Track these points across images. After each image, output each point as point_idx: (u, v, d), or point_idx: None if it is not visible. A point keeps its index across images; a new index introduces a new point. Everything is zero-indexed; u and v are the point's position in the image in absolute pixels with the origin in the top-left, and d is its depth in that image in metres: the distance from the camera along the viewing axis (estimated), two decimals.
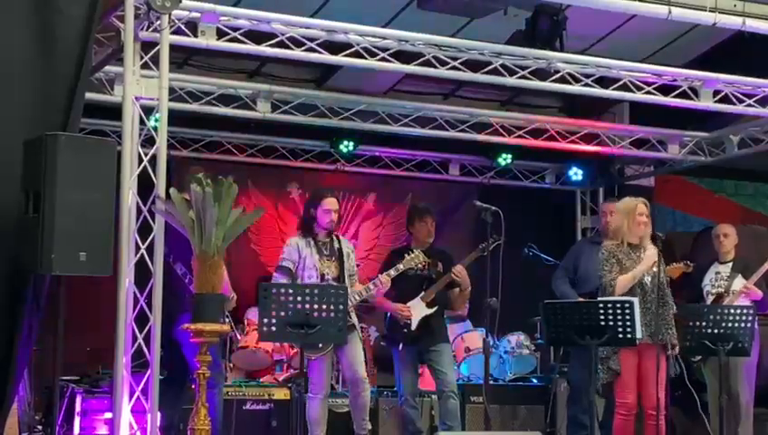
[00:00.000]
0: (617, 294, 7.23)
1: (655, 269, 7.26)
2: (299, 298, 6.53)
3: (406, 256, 7.99)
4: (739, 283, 8.42)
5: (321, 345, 7.45)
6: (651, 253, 7.30)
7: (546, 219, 11.82)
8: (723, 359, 7.48)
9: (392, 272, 7.89)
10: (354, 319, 7.71)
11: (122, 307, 6.39)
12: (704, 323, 7.39)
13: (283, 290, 6.67)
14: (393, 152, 11.43)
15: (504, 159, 11.53)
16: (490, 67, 8.34)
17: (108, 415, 7.60)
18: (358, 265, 8.14)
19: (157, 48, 6.67)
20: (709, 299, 8.48)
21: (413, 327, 8.09)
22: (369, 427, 7.88)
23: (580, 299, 7.99)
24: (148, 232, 6.55)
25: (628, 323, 6.74)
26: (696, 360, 8.39)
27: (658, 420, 7.16)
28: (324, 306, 6.57)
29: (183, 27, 7.26)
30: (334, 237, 7.83)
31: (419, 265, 8.05)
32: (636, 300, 6.89)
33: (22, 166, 6.00)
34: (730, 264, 8.61)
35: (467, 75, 8.39)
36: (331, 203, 7.72)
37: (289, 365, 9.26)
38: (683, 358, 7.90)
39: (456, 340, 9.72)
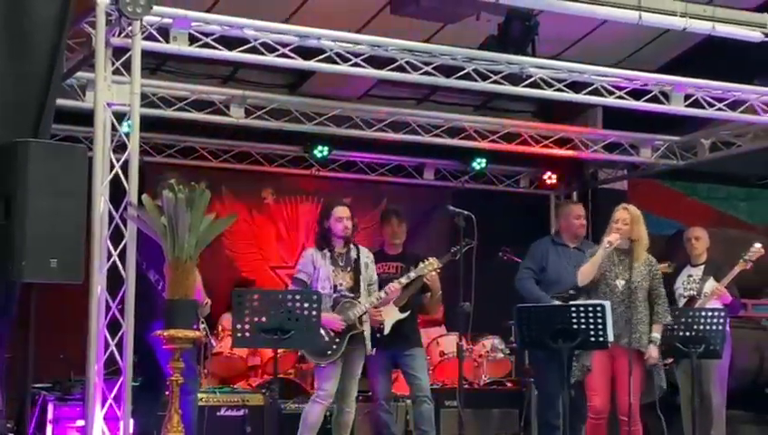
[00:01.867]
0: (580, 281, 7.39)
1: (632, 276, 7.33)
2: (272, 304, 6.54)
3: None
4: (711, 285, 8.43)
5: (329, 352, 7.43)
6: (609, 238, 7.36)
7: (521, 223, 11.84)
8: (694, 362, 7.55)
9: (403, 280, 7.87)
10: (360, 327, 7.64)
11: (94, 314, 6.38)
12: (675, 326, 7.45)
13: (256, 296, 6.68)
14: (368, 157, 11.45)
15: (479, 164, 11.57)
16: (463, 72, 8.36)
17: (80, 422, 7.55)
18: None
19: (128, 54, 6.65)
20: (681, 302, 8.50)
21: (385, 332, 8.08)
22: None
23: (556, 302, 8.00)
24: (120, 239, 6.53)
25: (600, 327, 6.78)
26: (668, 362, 8.43)
27: (630, 426, 7.21)
28: (298, 312, 6.57)
29: (155, 33, 7.23)
30: (353, 247, 7.80)
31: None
32: (607, 303, 6.93)
33: None
34: (702, 267, 8.64)
35: (440, 80, 8.38)
36: (341, 211, 7.70)
37: (263, 371, 9.25)
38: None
39: (430, 344, 9.73)
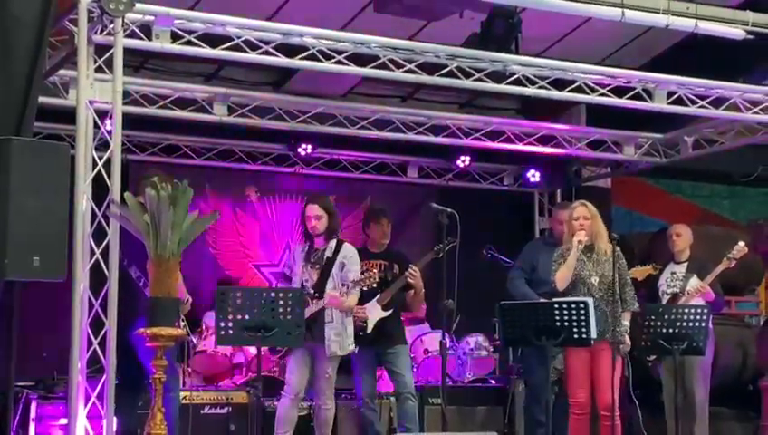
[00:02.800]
0: (559, 287, 7.45)
1: (603, 271, 7.37)
2: (255, 302, 6.53)
3: (361, 275, 7.89)
4: (694, 283, 8.45)
5: (278, 349, 7.46)
6: (578, 237, 7.42)
7: (504, 221, 11.88)
8: (677, 358, 7.59)
9: (343, 289, 7.73)
10: (327, 330, 7.60)
11: (77, 312, 6.37)
12: (659, 323, 7.48)
13: (239, 294, 6.68)
14: (351, 155, 11.43)
15: (463, 162, 11.57)
16: (446, 70, 8.35)
17: (63, 421, 7.55)
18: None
19: (111, 51, 6.64)
20: (665, 299, 8.52)
21: (368, 330, 8.09)
22: None
23: (542, 300, 8.02)
24: (102, 236, 6.52)
25: (583, 324, 6.82)
26: (652, 359, 8.45)
27: (613, 420, 7.25)
28: (281, 310, 6.57)
29: (137, 30, 7.20)
30: (333, 244, 7.75)
31: (374, 284, 7.98)
32: (590, 300, 6.96)
33: None
34: (685, 264, 8.65)
35: (423, 78, 8.37)
36: (309, 209, 7.71)
37: (248, 369, 9.24)
38: (633, 358, 7.99)
39: (414, 342, 9.74)
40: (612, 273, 7.40)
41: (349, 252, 7.81)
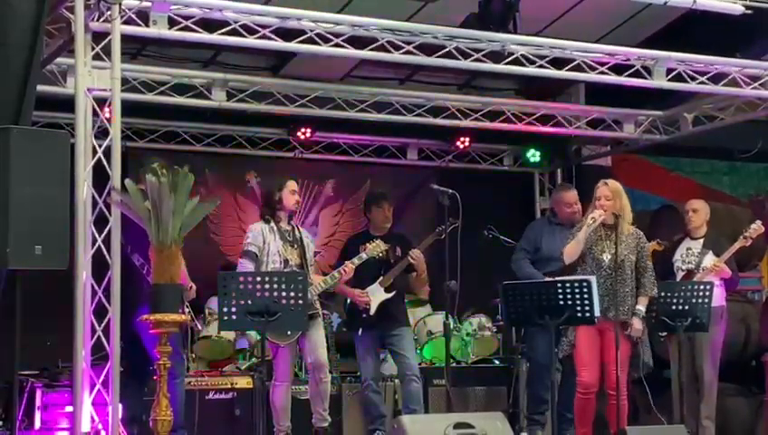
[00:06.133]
0: (566, 260, 7.47)
1: (619, 250, 7.36)
2: (258, 286, 6.53)
3: (368, 244, 7.99)
4: (710, 259, 8.36)
5: (289, 333, 7.46)
6: (592, 214, 7.43)
7: (505, 201, 11.87)
8: (681, 335, 7.58)
9: (356, 260, 7.90)
10: (318, 307, 7.75)
11: (80, 300, 6.38)
12: (667, 300, 7.47)
13: (242, 278, 6.66)
14: (351, 138, 11.41)
15: (462, 143, 11.56)
16: (444, 51, 8.34)
17: (69, 408, 7.56)
18: (317, 253, 8.13)
19: (108, 38, 6.63)
20: (679, 275, 8.41)
21: (372, 312, 8.11)
22: (329, 420, 7.78)
23: (548, 279, 7.99)
24: (104, 224, 6.53)
25: (587, 302, 6.81)
26: (663, 336, 8.43)
27: (619, 399, 7.25)
28: (285, 293, 6.56)
29: (134, 17, 7.20)
30: (294, 226, 7.83)
31: (381, 254, 8.05)
32: (593, 278, 6.95)
33: None
34: (701, 240, 8.54)
35: (422, 59, 8.35)
36: (294, 185, 7.83)
37: (252, 354, 9.26)
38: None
39: (418, 323, 9.74)
40: (628, 253, 7.38)
41: (307, 233, 8.01)
